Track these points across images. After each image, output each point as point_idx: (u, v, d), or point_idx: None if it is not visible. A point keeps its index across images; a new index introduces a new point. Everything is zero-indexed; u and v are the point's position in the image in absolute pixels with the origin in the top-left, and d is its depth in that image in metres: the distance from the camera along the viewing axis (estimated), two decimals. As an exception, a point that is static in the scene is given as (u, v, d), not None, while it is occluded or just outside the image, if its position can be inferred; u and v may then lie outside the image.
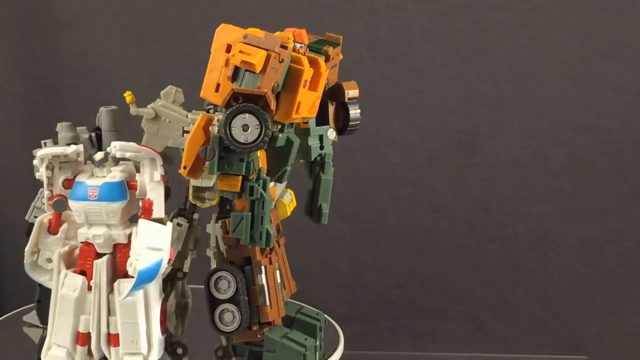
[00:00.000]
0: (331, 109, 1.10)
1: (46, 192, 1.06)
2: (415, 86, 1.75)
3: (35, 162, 1.06)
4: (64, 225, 1.07)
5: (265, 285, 1.01)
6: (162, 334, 1.05)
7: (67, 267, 1.05)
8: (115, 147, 1.00)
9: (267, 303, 1.01)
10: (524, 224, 1.78)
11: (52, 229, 1.07)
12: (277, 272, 1.05)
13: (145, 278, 0.95)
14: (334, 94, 1.09)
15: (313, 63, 0.99)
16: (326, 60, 1.03)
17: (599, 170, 1.75)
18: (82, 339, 1.04)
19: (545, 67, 1.73)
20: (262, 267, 1.02)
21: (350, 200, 1.78)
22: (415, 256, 1.79)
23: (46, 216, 1.07)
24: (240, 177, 0.95)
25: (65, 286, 1.03)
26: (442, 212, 1.79)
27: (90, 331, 1.03)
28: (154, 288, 1.02)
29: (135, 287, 0.95)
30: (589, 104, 1.74)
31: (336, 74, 1.08)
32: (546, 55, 1.73)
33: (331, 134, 1.09)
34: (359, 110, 1.10)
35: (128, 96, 1.06)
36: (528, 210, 1.77)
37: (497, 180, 1.77)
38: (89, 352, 1.04)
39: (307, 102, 0.98)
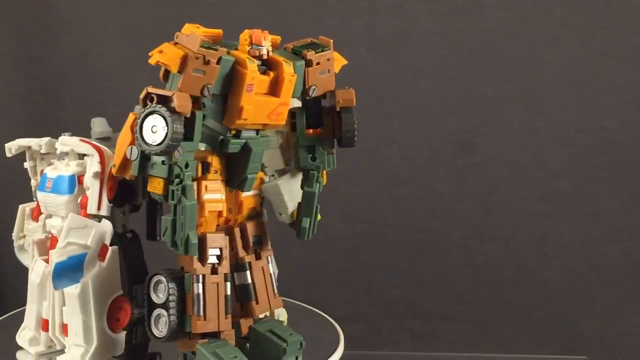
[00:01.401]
0: (327, 118, 1.05)
1: (32, 182, 1.12)
2: (415, 86, 1.75)
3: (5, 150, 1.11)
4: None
5: (201, 295, 0.96)
6: (117, 331, 1.05)
7: (42, 254, 1.08)
8: (59, 141, 1.05)
9: (200, 314, 0.96)
10: (524, 224, 1.78)
11: (35, 217, 1.12)
12: (228, 284, 0.98)
13: (63, 271, 0.98)
14: (329, 102, 1.05)
15: (274, 67, 0.96)
16: (308, 66, 0.99)
17: (599, 170, 1.75)
18: (45, 325, 1.07)
19: (545, 67, 1.73)
20: (199, 276, 0.96)
21: (350, 200, 1.78)
22: (415, 256, 1.79)
23: (29, 204, 1.14)
24: (164, 180, 0.93)
25: (33, 272, 1.08)
26: (442, 212, 1.79)
27: (48, 318, 1.06)
28: (96, 283, 1.02)
29: (55, 279, 0.98)
30: (589, 104, 1.74)
31: (330, 81, 1.03)
32: (546, 55, 1.73)
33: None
34: (354, 120, 1.03)
35: None
36: (528, 210, 1.77)
37: (497, 180, 1.77)
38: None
39: (260, 108, 0.95)
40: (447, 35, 1.74)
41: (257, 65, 0.95)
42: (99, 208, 1.01)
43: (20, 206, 1.13)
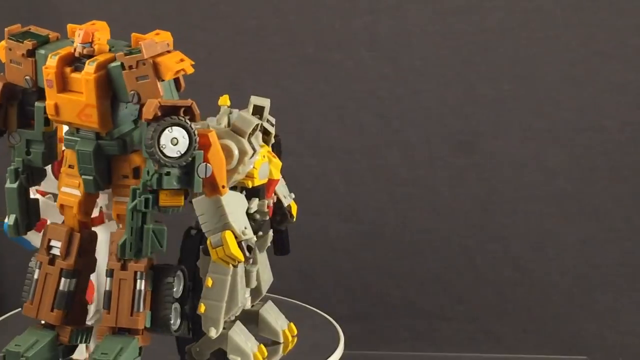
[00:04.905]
0: None
1: None
2: (415, 86, 1.75)
3: None
4: None
5: (36, 281, 0.98)
6: None
7: None
8: None
9: (30, 298, 0.98)
10: (524, 224, 1.78)
11: None
12: (67, 281, 0.97)
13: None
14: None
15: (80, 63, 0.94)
16: (123, 68, 0.93)
17: (599, 170, 1.75)
18: None
19: (545, 67, 1.73)
20: (40, 263, 0.98)
21: (350, 200, 1.78)
22: (415, 256, 1.79)
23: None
24: None
25: None
26: (442, 212, 1.79)
27: None
28: None
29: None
30: (589, 104, 1.74)
31: (151, 88, 0.92)
32: (546, 55, 1.73)
33: None
34: (151, 135, 0.88)
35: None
36: (528, 210, 1.77)
37: (497, 180, 1.77)
38: None
39: (68, 106, 0.93)
40: (447, 35, 1.74)
41: (86, 63, 0.93)
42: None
43: None
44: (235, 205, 1.00)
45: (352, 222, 1.79)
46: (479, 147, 1.76)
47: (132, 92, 0.92)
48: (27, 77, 0.95)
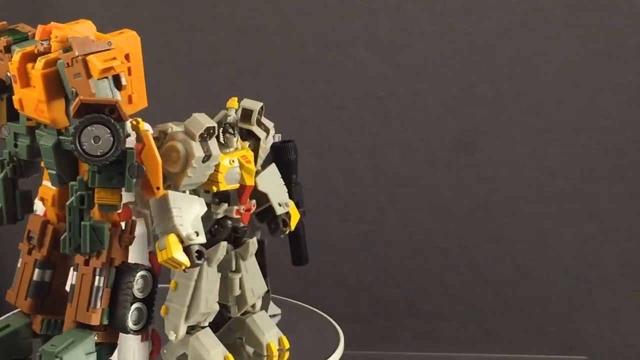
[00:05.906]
0: None
1: None
2: (415, 86, 1.75)
3: None
4: None
5: (17, 269, 1.02)
6: None
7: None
8: None
9: (13, 285, 1.02)
10: (524, 224, 1.78)
11: None
12: (42, 271, 1.00)
13: None
14: None
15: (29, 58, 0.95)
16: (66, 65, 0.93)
17: (599, 170, 1.75)
18: None
19: (545, 67, 1.73)
20: (21, 252, 1.01)
21: (350, 200, 1.78)
22: (415, 256, 1.80)
23: None
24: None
25: None
26: (442, 212, 1.79)
27: None
28: None
29: None
30: (589, 104, 1.74)
31: (84, 86, 0.91)
32: (546, 55, 1.73)
33: None
34: (73, 133, 0.88)
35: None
36: (528, 210, 1.77)
37: (497, 180, 1.77)
38: None
39: (27, 101, 0.95)
40: (447, 35, 1.74)
41: (37, 60, 0.94)
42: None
43: None
44: (186, 209, 0.97)
45: (352, 222, 1.79)
46: (479, 147, 1.76)
47: (72, 89, 0.92)
48: (8, 73, 0.97)
